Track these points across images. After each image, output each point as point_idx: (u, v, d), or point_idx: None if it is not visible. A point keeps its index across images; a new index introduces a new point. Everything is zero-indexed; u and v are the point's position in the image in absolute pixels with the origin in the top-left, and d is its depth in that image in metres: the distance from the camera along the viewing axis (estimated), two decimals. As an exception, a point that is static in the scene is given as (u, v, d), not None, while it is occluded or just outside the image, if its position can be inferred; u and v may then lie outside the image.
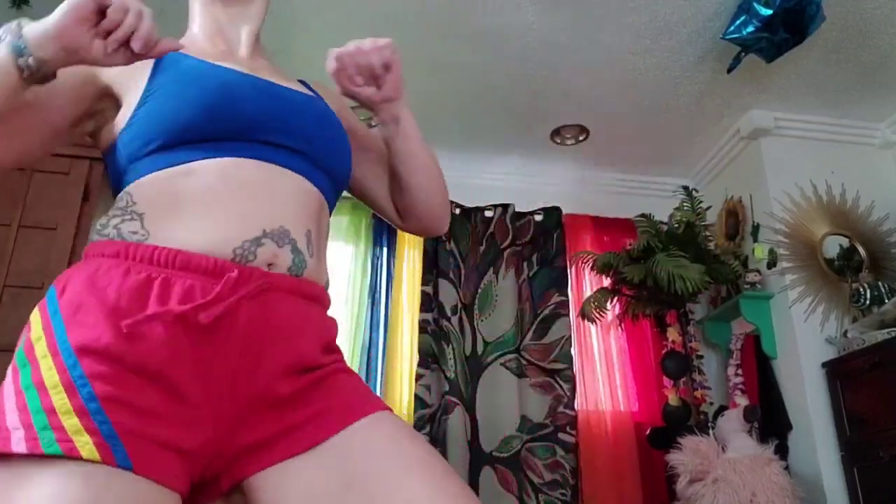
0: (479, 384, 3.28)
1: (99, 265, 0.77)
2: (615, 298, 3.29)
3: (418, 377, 3.19)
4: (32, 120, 0.84)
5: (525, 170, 3.82)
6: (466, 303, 3.42)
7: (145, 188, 0.82)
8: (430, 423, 3.13)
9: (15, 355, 0.73)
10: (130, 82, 0.88)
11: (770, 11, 2.50)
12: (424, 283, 3.40)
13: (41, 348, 0.71)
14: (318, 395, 0.80)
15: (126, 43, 0.74)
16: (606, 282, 3.36)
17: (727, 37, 2.68)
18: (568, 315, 3.46)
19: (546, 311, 3.45)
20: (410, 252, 3.52)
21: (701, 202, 3.35)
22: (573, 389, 3.31)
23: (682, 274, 2.88)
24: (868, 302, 2.88)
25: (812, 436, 2.83)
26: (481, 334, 3.38)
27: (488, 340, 3.36)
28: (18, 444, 0.64)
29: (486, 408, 3.23)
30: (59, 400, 0.66)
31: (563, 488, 3.11)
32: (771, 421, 2.97)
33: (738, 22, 2.62)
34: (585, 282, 3.61)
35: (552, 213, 3.66)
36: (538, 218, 3.65)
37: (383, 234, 3.53)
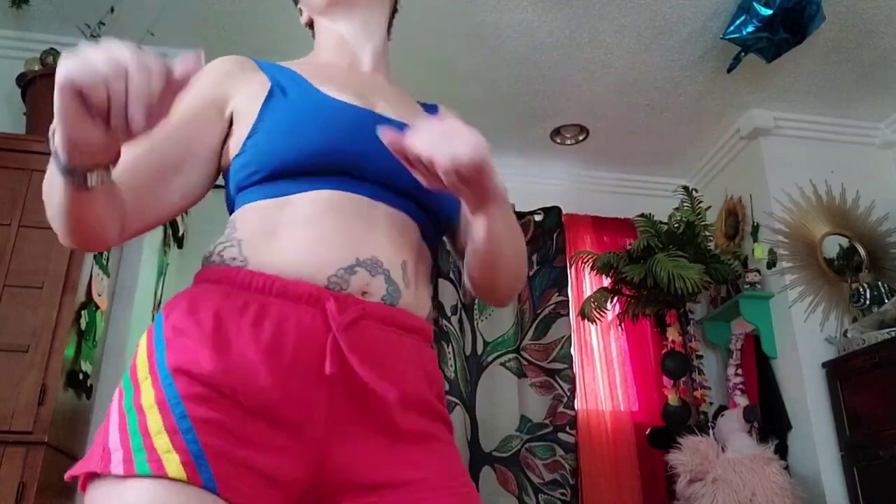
0: (478, 384, 3.28)
1: (203, 290, 0.78)
2: (615, 298, 3.29)
3: (418, 377, 3.19)
4: (179, 170, 0.85)
5: (525, 170, 3.82)
6: (466, 303, 3.42)
7: (246, 216, 0.84)
8: (429, 422, 3.13)
9: (123, 377, 0.74)
10: (246, 104, 0.87)
11: (770, 11, 2.50)
12: (424, 282, 3.39)
13: (143, 372, 0.72)
14: (424, 454, 0.79)
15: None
16: (606, 282, 3.36)
17: (727, 37, 2.68)
18: (568, 315, 3.46)
19: (546, 311, 3.45)
20: (410, 252, 3.51)
21: (701, 202, 3.35)
22: (573, 389, 3.31)
23: (681, 274, 2.88)
24: (868, 302, 2.88)
25: (812, 436, 2.83)
26: (481, 334, 3.38)
27: (488, 340, 3.36)
28: (117, 467, 0.66)
29: (485, 407, 3.23)
30: (153, 420, 0.68)
31: (562, 488, 3.12)
32: (771, 421, 2.97)
33: (738, 22, 2.62)
34: (585, 282, 3.61)
35: (552, 212, 3.66)
36: (538, 218, 3.65)
37: (383, 234, 3.53)
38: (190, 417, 0.67)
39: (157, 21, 2.62)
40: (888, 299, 2.84)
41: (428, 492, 0.76)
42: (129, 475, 0.65)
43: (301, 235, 0.80)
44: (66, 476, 0.72)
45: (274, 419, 0.71)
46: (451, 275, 3.42)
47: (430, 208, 0.90)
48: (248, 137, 0.85)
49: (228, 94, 0.89)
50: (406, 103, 1.01)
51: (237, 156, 0.86)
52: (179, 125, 0.84)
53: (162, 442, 0.66)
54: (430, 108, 1.07)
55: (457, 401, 3.19)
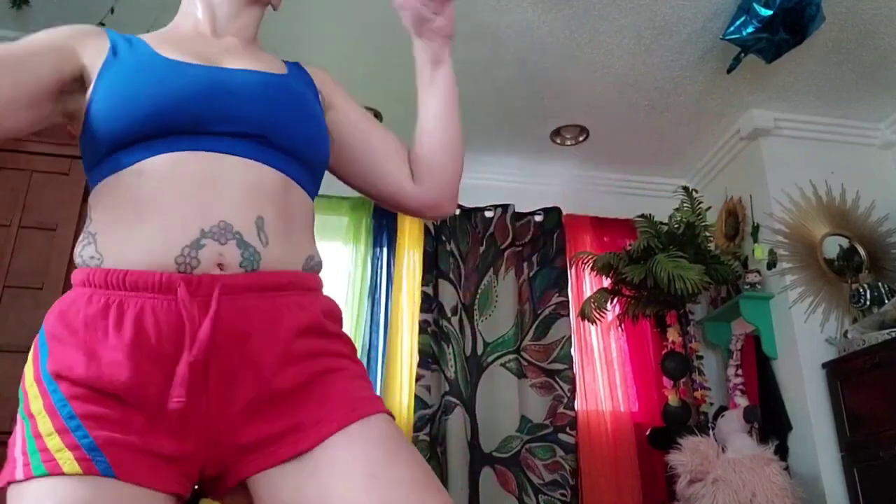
0: (479, 384, 3.28)
1: (72, 295, 0.79)
2: (615, 299, 3.29)
3: (418, 377, 3.19)
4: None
5: (525, 170, 3.82)
6: (466, 303, 3.42)
7: (99, 199, 0.82)
8: (430, 423, 3.13)
9: (20, 396, 0.78)
10: (90, 71, 0.84)
11: (770, 12, 2.50)
12: (424, 283, 3.40)
13: (29, 379, 0.76)
14: (313, 396, 0.79)
15: None
16: (606, 282, 3.36)
17: (727, 37, 2.68)
18: (568, 315, 3.46)
19: (546, 312, 3.45)
20: (410, 252, 3.52)
21: (701, 202, 3.35)
22: (573, 390, 3.31)
23: (681, 274, 2.88)
24: (868, 302, 2.88)
25: (812, 436, 2.83)
26: (481, 335, 3.38)
27: (488, 341, 3.36)
28: (19, 472, 0.70)
29: (486, 408, 3.23)
30: (44, 423, 0.71)
31: (562, 489, 3.11)
32: (771, 421, 2.97)
33: (737, 22, 2.62)
34: (585, 282, 3.61)
35: (552, 213, 3.66)
36: (538, 218, 3.65)
37: (383, 234, 3.53)
38: (77, 415, 0.71)
39: (156, 21, 2.62)
40: (888, 300, 2.84)
41: (322, 423, 0.77)
42: (28, 478, 0.69)
43: (145, 216, 0.77)
44: None
45: (152, 408, 0.73)
46: (451, 275, 3.42)
47: (290, 145, 0.87)
48: (88, 108, 0.82)
49: (76, 50, 0.86)
50: (263, 60, 0.97)
51: (83, 133, 0.84)
52: (10, 54, 0.80)
53: (53, 442, 0.69)
54: (293, 65, 1.03)
55: (457, 401, 3.19)
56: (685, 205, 3.33)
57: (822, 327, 3.00)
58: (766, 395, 3.06)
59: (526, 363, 3.36)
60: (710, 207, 3.42)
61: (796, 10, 2.51)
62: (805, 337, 2.98)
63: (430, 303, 3.34)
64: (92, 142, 0.82)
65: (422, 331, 3.28)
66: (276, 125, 0.86)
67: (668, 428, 3.02)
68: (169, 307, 0.74)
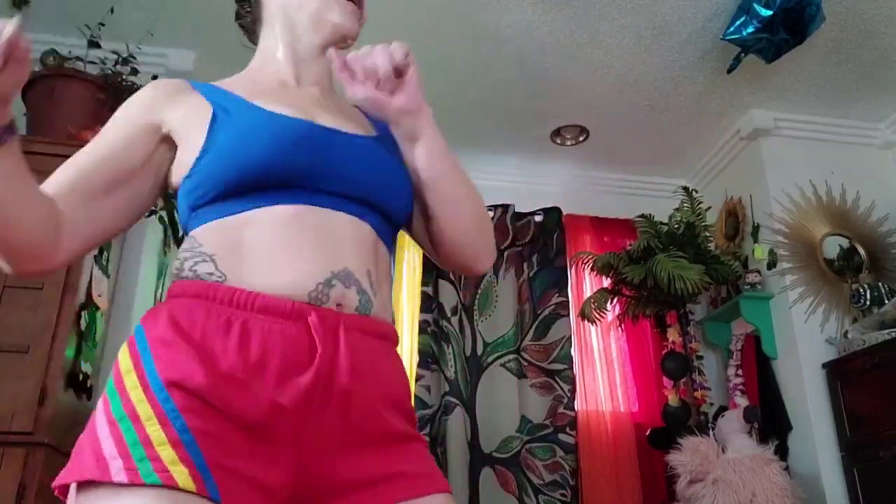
0: (479, 384, 3.28)
1: (184, 305, 0.80)
2: (615, 299, 3.29)
3: (418, 377, 3.19)
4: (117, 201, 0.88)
5: (525, 170, 3.82)
6: (466, 303, 3.41)
7: (209, 233, 0.85)
8: (430, 423, 3.13)
9: (105, 388, 0.76)
10: (191, 130, 0.89)
11: (770, 12, 2.50)
12: (424, 283, 3.40)
13: (131, 380, 0.74)
14: (409, 451, 0.84)
15: None
16: (606, 282, 3.36)
17: (727, 37, 2.68)
18: (568, 315, 3.46)
19: (546, 312, 3.45)
20: (410, 253, 3.52)
21: (701, 202, 3.35)
22: (573, 390, 3.31)
23: (681, 274, 2.88)
24: (868, 302, 2.88)
25: (812, 436, 2.83)
26: (481, 335, 3.38)
27: (488, 341, 3.36)
28: (118, 474, 0.67)
29: (486, 408, 3.23)
30: (155, 431, 0.69)
31: (562, 489, 3.11)
32: (771, 421, 2.97)
33: (737, 22, 2.62)
34: (585, 282, 3.61)
35: (552, 213, 3.66)
36: (538, 218, 3.65)
37: (383, 235, 3.53)
38: (191, 430, 0.70)
39: (156, 21, 2.62)
40: (888, 300, 2.84)
41: (419, 479, 0.81)
42: (133, 483, 0.66)
43: (272, 252, 0.82)
44: (55, 485, 0.72)
45: (261, 432, 0.74)
46: (451, 276, 3.42)
47: (383, 207, 0.92)
48: (198, 160, 0.86)
49: (160, 118, 0.91)
50: (349, 116, 1.00)
51: (187, 177, 0.87)
52: (106, 150, 0.88)
53: (167, 453, 0.68)
54: (380, 125, 1.03)
55: (457, 401, 3.19)
56: (685, 205, 3.33)
57: (822, 327, 3.00)
58: (766, 395, 3.06)
59: (526, 363, 3.36)
60: (710, 207, 3.42)
61: (796, 10, 2.51)
62: (805, 337, 2.98)
63: (430, 303, 3.34)
64: (198, 190, 0.86)
65: (422, 331, 3.28)
66: (376, 190, 0.91)
67: (668, 428, 3.02)
68: (297, 334, 0.77)
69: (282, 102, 0.93)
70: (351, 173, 0.89)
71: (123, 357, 0.78)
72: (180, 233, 3.12)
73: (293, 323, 0.77)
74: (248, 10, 1.09)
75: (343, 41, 1.03)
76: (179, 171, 0.89)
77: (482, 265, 1.02)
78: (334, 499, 0.77)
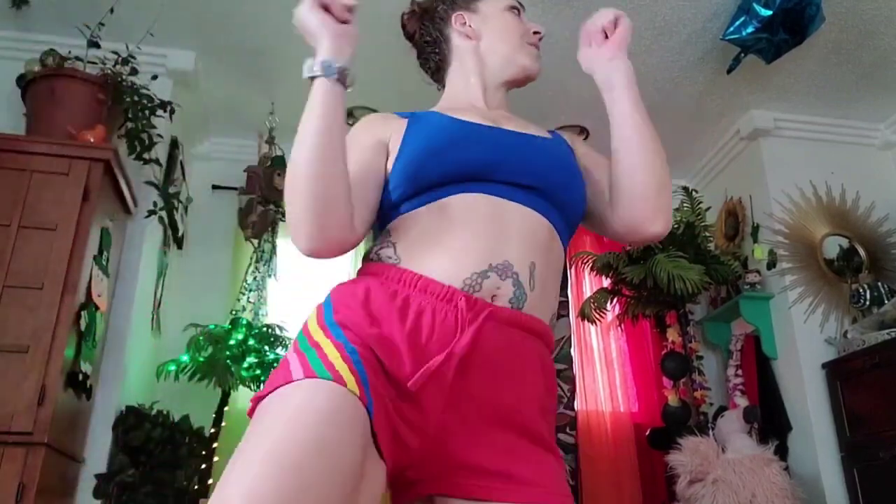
0: (478, 384, 3.27)
1: (363, 279, 0.93)
2: (615, 299, 3.29)
3: (418, 377, 3.19)
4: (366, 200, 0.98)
5: (525, 170, 3.82)
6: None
7: (398, 224, 0.97)
8: (429, 423, 3.13)
9: (297, 340, 0.88)
10: (395, 136, 1.02)
11: (770, 12, 2.50)
12: (424, 283, 3.40)
13: (314, 326, 0.88)
14: (534, 456, 0.87)
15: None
16: (606, 282, 3.36)
17: (727, 37, 2.68)
18: (568, 316, 3.46)
19: (546, 312, 3.45)
20: (410, 252, 3.51)
21: (701, 202, 3.35)
22: (573, 390, 3.31)
23: (681, 274, 2.88)
24: (868, 303, 2.88)
25: (812, 436, 2.83)
26: (481, 335, 3.37)
27: (488, 341, 3.36)
28: (298, 373, 0.79)
29: (485, 408, 3.22)
30: (331, 352, 0.82)
31: (562, 489, 3.11)
32: (771, 421, 2.97)
33: (737, 22, 2.62)
34: (585, 282, 3.61)
35: (552, 213, 3.66)
36: (538, 218, 3.65)
37: (383, 235, 3.53)
38: (361, 358, 0.81)
39: (156, 21, 2.62)
40: (888, 300, 2.84)
41: (540, 496, 0.84)
42: (309, 376, 0.78)
43: (445, 240, 0.92)
44: (252, 399, 0.83)
45: (398, 386, 0.82)
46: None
47: (561, 199, 1.00)
48: (397, 160, 0.99)
49: (384, 133, 1.04)
50: (530, 128, 1.13)
51: (390, 176, 0.99)
52: (363, 160, 0.99)
53: (340, 364, 0.80)
54: (554, 133, 1.19)
55: (457, 401, 3.19)
56: (685, 205, 3.33)
57: (822, 327, 3.00)
58: (765, 395, 3.06)
59: (526, 363, 3.36)
60: (710, 207, 3.42)
61: (796, 11, 2.51)
62: (805, 337, 2.98)
63: (429, 303, 3.34)
64: (397, 189, 0.97)
65: (422, 331, 3.28)
66: (552, 180, 1.00)
67: (667, 428, 3.02)
68: (446, 314, 0.86)
69: (471, 116, 1.07)
70: (531, 166, 0.99)
71: (312, 313, 0.92)
72: (180, 232, 3.13)
73: (445, 303, 0.87)
74: (437, 52, 1.23)
75: (527, 80, 1.24)
76: (388, 173, 1.01)
77: (660, 225, 1.04)
78: (443, 479, 0.84)
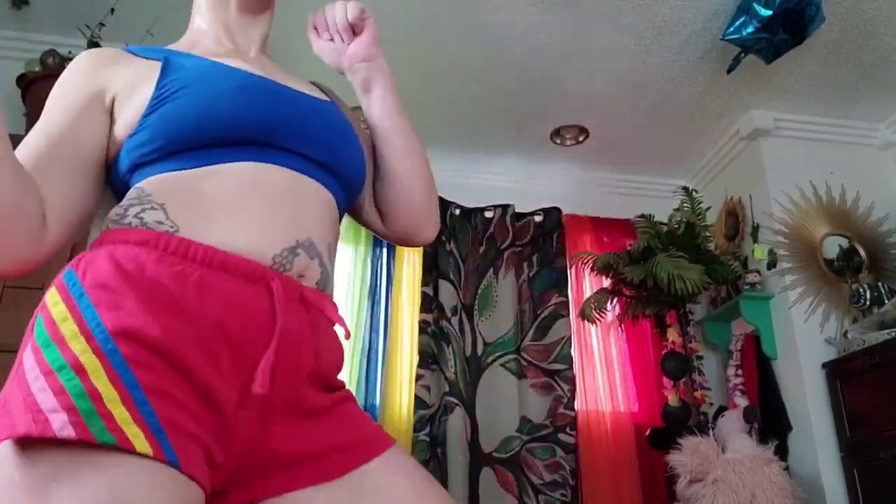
0: (478, 385, 3.28)
1: (125, 251, 0.70)
2: (615, 299, 3.28)
3: (418, 378, 3.19)
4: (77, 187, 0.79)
5: (525, 170, 3.82)
6: (466, 303, 3.41)
7: (159, 184, 0.77)
8: (429, 423, 3.13)
9: (34, 335, 0.65)
10: (134, 91, 0.82)
11: (770, 12, 2.50)
12: (424, 283, 3.40)
13: (69, 329, 0.63)
14: (337, 422, 0.80)
15: None
16: (606, 282, 3.36)
17: (727, 37, 2.68)
18: (568, 316, 3.46)
19: (546, 312, 3.45)
20: (410, 253, 3.51)
21: (701, 202, 3.35)
22: (573, 390, 3.31)
23: (681, 274, 2.88)
24: (868, 303, 2.88)
25: (812, 436, 2.83)
26: (481, 335, 3.37)
27: (488, 341, 3.36)
28: (64, 429, 0.57)
29: (485, 408, 3.22)
30: (103, 385, 0.60)
31: (562, 489, 3.11)
32: (771, 421, 2.96)
33: (737, 22, 2.62)
34: (585, 282, 3.61)
35: (552, 213, 3.66)
36: (538, 218, 3.65)
37: (383, 235, 3.52)
38: (142, 387, 0.61)
39: (156, 22, 2.62)
40: (888, 300, 2.83)
41: (352, 450, 0.78)
42: (84, 440, 0.57)
43: (235, 207, 0.76)
44: None
45: (210, 397, 0.66)
46: (452, 276, 3.42)
47: (345, 174, 0.90)
48: (149, 113, 0.79)
49: (106, 84, 0.84)
50: (299, 81, 0.97)
51: (132, 136, 0.79)
52: (65, 126, 0.79)
53: (119, 411, 0.59)
54: (328, 94, 1.04)
55: (457, 401, 3.19)
56: (685, 205, 3.33)
57: (822, 327, 3.00)
58: (765, 395, 3.06)
59: (526, 363, 3.36)
60: (709, 207, 3.42)
61: (796, 11, 2.51)
62: (805, 337, 2.98)
63: (430, 303, 3.34)
64: (149, 144, 0.78)
65: (422, 331, 3.27)
66: (341, 157, 0.89)
67: (667, 428, 3.02)
68: (257, 299, 0.72)
69: (234, 61, 0.90)
70: (316, 134, 0.86)
71: (54, 304, 0.67)
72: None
73: (253, 286, 0.72)
74: None
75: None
76: (125, 131, 0.81)
77: (428, 231, 1.01)
78: (258, 480, 0.73)
